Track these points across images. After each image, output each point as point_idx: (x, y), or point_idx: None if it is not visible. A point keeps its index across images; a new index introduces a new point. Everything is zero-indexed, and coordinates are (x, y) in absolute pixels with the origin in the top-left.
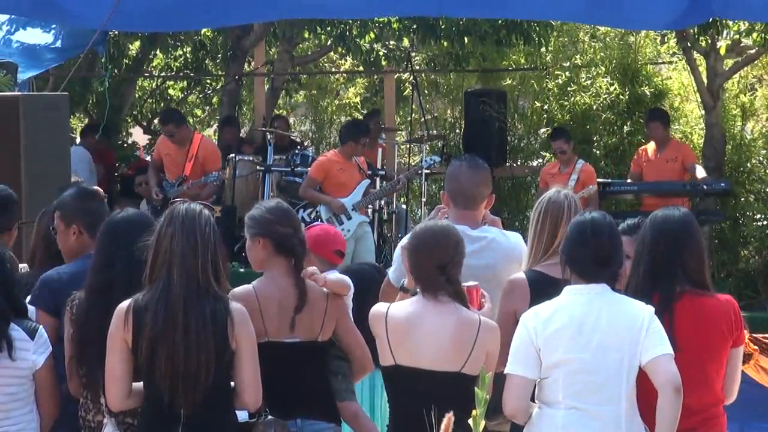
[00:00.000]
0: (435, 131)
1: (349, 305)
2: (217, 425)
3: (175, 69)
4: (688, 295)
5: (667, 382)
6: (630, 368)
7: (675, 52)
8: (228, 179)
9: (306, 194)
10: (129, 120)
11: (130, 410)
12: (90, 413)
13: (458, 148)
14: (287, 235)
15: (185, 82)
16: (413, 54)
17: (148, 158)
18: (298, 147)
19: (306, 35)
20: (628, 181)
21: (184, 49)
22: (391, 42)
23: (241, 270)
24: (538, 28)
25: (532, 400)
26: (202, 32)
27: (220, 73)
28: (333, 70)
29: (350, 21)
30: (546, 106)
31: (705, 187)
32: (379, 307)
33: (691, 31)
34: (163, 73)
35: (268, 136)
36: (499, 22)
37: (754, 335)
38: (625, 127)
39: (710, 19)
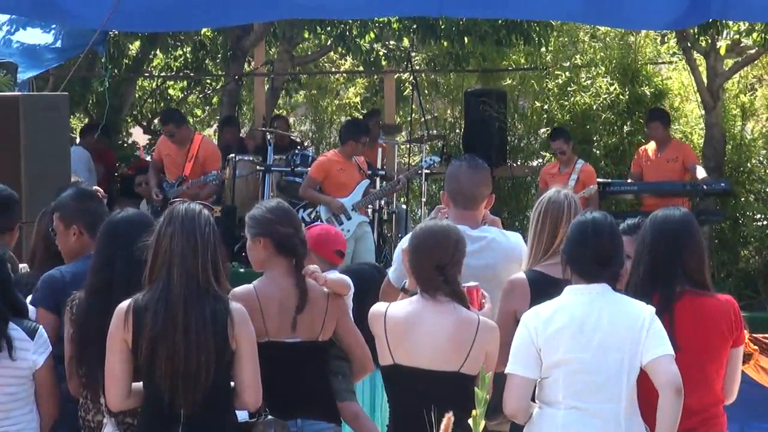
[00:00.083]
0: (435, 131)
1: (350, 305)
2: (217, 425)
3: (175, 69)
4: (688, 295)
5: (668, 382)
6: (631, 368)
7: (675, 52)
8: (228, 179)
9: (306, 194)
10: (129, 120)
11: (130, 410)
12: (90, 413)
13: (458, 148)
14: (288, 235)
15: (185, 82)
16: (413, 54)
17: (148, 158)
18: (298, 147)
19: (306, 35)
20: (629, 181)
21: (184, 49)
22: (391, 42)
23: (241, 270)
24: (538, 28)
25: (533, 400)
26: (202, 32)
27: (220, 73)
28: (333, 70)
29: (350, 21)
30: (546, 106)
31: (705, 187)
32: (378, 307)
33: (691, 31)
34: (163, 73)
35: (268, 136)
36: (499, 22)
37: (754, 335)
38: (625, 127)
39: (710, 20)
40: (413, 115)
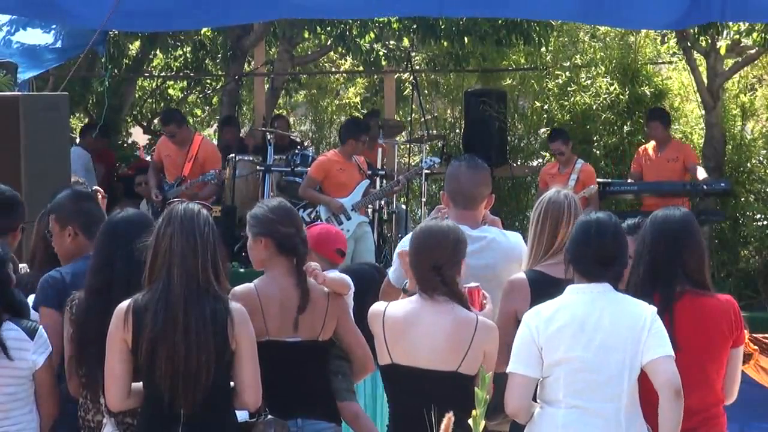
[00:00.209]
0: (435, 131)
1: (350, 304)
2: (217, 425)
3: (175, 69)
4: (689, 295)
5: (667, 382)
6: (632, 368)
7: (675, 52)
8: (228, 179)
9: (305, 194)
10: (129, 120)
11: (130, 410)
12: (89, 413)
13: (458, 148)
14: (289, 235)
15: (185, 82)
16: (413, 54)
17: (148, 158)
18: (298, 147)
19: (306, 35)
20: (629, 180)
21: (184, 49)
22: (391, 42)
23: (241, 270)
24: (538, 28)
25: (534, 399)
26: (202, 32)
27: (220, 73)
28: (333, 70)
29: (350, 21)
30: (546, 106)
31: (705, 187)
32: (377, 306)
33: (691, 31)
34: (163, 73)
35: (268, 136)
36: (499, 22)
37: (754, 335)
38: (625, 127)
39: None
40: (413, 115)
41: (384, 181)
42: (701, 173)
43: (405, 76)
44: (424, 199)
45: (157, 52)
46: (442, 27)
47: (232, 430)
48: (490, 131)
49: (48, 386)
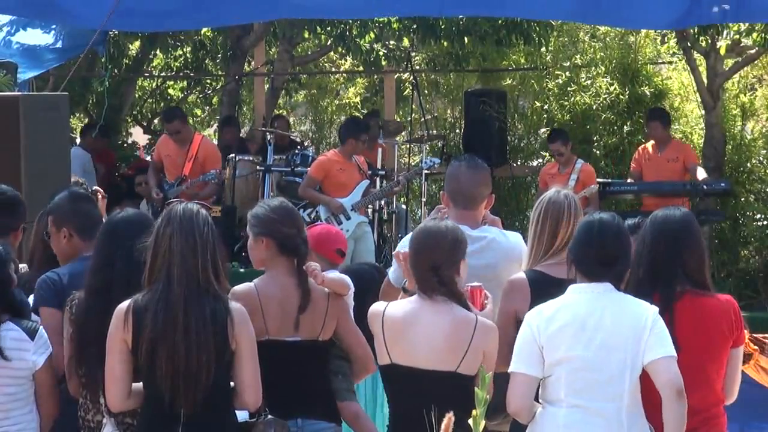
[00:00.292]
0: (435, 131)
1: (351, 305)
2: (217, 425)
3: (175, 69)
4: (689, 295)
5: (668, 382)
6: (633, 367)
7: (675, 52)
8: (228, 179)
9: (305, 194)
10: (129, 120)
11: (130, 410)
12: (89, 413)
13: (458, 148)
14: (291, 235)
15: (185, 82)
16: (413, 54)
17: (148, 158)
18: (298, 147)
19: (306, 35)
20: (629, 180)
21: (184, 49)
22: (391, 42)
23: (241, 270)
24: (538, 28)
25: (537, 400)
26: (202, 32)
27: (220, 73)
28: (333, 70)
29: (350, 21)
30: (546, 106)
31: (705, 187)
32: (377, 306)
33: (691, 31)
34: (163, 73)
35: (268, 136)
36: (499, 21)
37: (754, 335)
38: (625, 127)
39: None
40: (413, 115)
41: (384, 182)
42: (701, 173)
43: (405, 76)
44: (424, 199)
45: (157, 52)
46: (442, 27)
47: (232, 430)
48: (490, 131)
49: (48, 386)
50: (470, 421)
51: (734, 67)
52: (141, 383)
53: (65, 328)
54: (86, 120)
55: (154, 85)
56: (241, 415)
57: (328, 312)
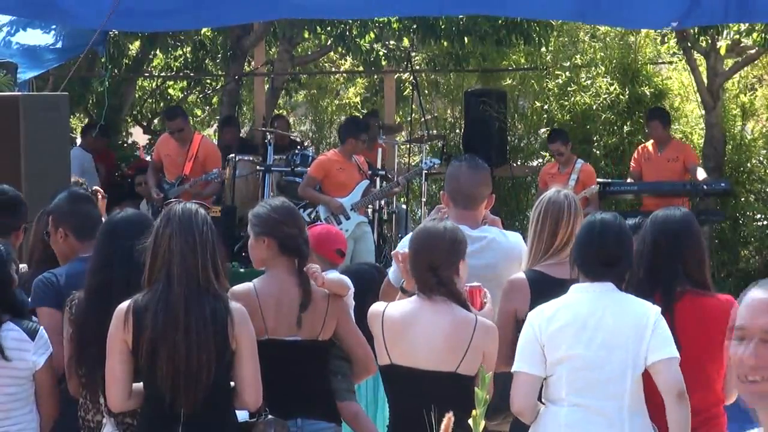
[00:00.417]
0: (435, 131)
1: (351, 305)
2: (217, 425)
3: (175, 69)
4: (689, 295)
5: (671, 385)
6: (635, 366)
7: (675, 52)
8: (228, 179)
9: (305, 193)
10: (129, 120)
11: (130, 410)
12: (89, 413)
13: (458, 148)
14: (292, 235)
15: (185, 82)
16: (413, 54)
17: (148, 158)
18: (298, 147)
19: (306, 35)
20: (628, 180)
21: (184, 49)
22: (391, 42)
23: (241, 270)
24: (538, 28)
25: (540, 400)
26: (202, 32)
27: (220, 73)
28: (333, 70)
29: (350, 21)
30: (546, 106)
31: (705, 187)
32: (376, 306)
33: (691, 31)
34: (163, 73)
35: (268, 136)
36: (499, 21)
37: None
38: (625, 127)
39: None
40: (413, 115)
41: (384, 182)
42: (701, 173)
43: (405, 76)
44: (424, 199)
45: (157, 52)
46: (442, 27)
47: (232, 429)
48: (490, 131)
49: (48, 387)
50: (470, 422)
51: (734, 67)
52: (141, 383)
53: (65, 328)
54: (86, 120)
55: (154, 85)
56: (241, 415)
57: (328, 312)
